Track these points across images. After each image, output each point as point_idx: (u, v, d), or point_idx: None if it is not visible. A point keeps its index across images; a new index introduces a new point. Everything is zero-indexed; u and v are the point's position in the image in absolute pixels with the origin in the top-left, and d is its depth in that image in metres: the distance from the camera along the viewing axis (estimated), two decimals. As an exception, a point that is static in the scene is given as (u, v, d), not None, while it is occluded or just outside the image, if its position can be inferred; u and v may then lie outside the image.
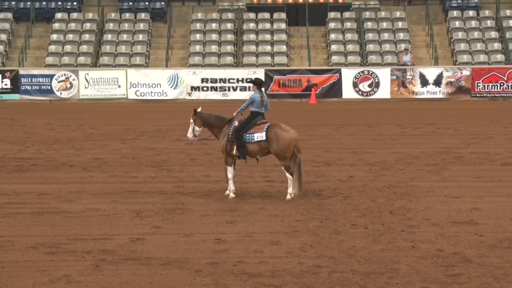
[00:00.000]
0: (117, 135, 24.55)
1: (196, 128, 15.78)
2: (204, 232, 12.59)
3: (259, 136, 15.08)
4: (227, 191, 15.24)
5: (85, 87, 36.76)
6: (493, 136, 23.75)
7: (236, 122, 15.27)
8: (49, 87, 36.76)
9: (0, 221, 13.42)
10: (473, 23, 40.66)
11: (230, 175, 15.18)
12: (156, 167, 18.63)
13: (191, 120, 15.77)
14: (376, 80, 36.54)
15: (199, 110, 15.89)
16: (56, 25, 40.99)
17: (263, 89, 15.51)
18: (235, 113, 15.39)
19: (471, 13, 41.29)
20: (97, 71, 37.45)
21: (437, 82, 36.47)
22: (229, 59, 39.28)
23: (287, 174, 14.92)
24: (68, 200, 15.06)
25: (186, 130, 25.34)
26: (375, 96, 36.56)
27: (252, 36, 40.50)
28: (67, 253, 11.41)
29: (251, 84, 15.70)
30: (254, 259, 11.09)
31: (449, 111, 31.69)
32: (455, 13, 41.27)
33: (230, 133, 15.16)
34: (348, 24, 41.00)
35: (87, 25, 41.03)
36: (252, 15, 41.66)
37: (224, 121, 15.51)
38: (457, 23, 40.74)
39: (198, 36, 40.40)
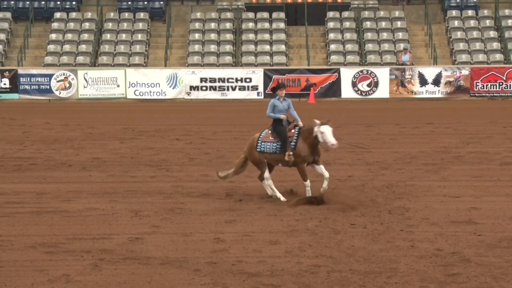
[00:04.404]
0: (116, 134, 24.54)
1: None
2: (203, 232, 12.59)
3: None
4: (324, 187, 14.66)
5: (84, 87, 36.76)
6: (492, 135, 23.75)
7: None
8: (48, 87, 36.76)
9: (-1, 220, 13.43)
10: (472, 23, 40.68)
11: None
12: (155, 167, 18.62)
13: (331, 127, 14.75)
14: (375, 80, 36.55)
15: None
16: (55, 25, 41.00)
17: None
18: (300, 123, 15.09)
19: (470, 12, 41.31)
20: (96, 70, 37.45)
21: (436, 81, 36.49)
22: (228, 59, 39.29)
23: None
24: (67, 199, 15.06)
25: (185, 129, 25.54)
26: (374, 95, 36.58)
27: (251, 36, 40.51)
28: (66, 252, 11.40)
29: (284, 89, 15.31)
30: (253, 258, 11.08)
31: (448, 111, 31.69)
32: (454, 12, 41.29)
33: None
34: (347, 24, 41.02)
35: (86, 25, 41.04)
36: (251, 15, 41.67)
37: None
38: (456, 23, 40.76)
39: (197, 36, 40.41)
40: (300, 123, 14.99)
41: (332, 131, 14.66)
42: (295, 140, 14.83)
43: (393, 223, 13.10)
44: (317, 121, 14.82)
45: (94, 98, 36.65)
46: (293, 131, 14.94)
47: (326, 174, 14.70)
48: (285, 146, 14.80)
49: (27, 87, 36.85)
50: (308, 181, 14.73)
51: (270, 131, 15.10)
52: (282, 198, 14.84)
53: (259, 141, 15.08)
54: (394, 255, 11.19)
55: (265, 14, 41.62)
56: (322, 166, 14.84)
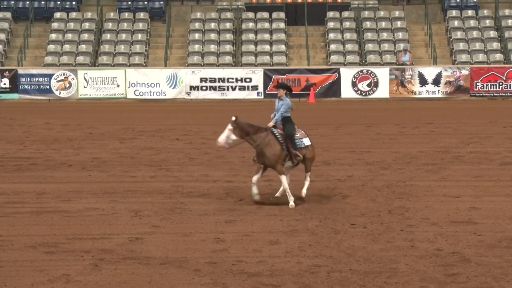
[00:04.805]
0: (116, 134, 24.54)
1: (233, 136, 14.60)
2: (203, 232, 12.59)
3: (307, 141, 14.88)
4: (291, 203, 14.40)
5: (84, 87, 36.76)
6: (492, 135, 23.75)
7: (276, 130, 14.74)
8: (48, 87, 36.76)
9: (-1, 220, 13.43)
10: (472, 23, 40.69)
11: (286, 185, 14.54)
12: (155, 167, 18.62)
13: (230, 127, 14.58)
14: (375, 80, 36.55)
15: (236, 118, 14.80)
16: (55, 25, 41.00)
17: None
18: (272, 123, 14.78)
19: (470, 12, 41.32)
20: (96, 70, 37.45)
21: (436, 81, 36.49)
22: (228, 59, 39.29)
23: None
24: (67, 199, 15.05)
25: (185, 129, 25.55)
26: (374, 95, 36.57)
27: (251, 36, 40.51)
28: (66, 252, 11.40)
29: (280, 89, 15.08)
30: (253, 258, 11.09)
31: (448, 111, 31.69)
32: (454, 12, 41.30)
33: (282, 142, 14.61)
34: (347, 24, 41.02)
35: (86, 25, 41.05)
36: (251, 15, 41.67)
37: (256, 128, 14.71)
38: (456, 23, 40.76)
39: (197, 36, 40.41)
40: (270, 124, 14.84)
41: (228, 130, 14.47)
42: None
43: (393, 223, 13.10)
44: (233, 118, 14.64)
45: (94, 98, 36.64)
46: None
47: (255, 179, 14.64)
48: None
49: (27, 87, 36.85)
50: (285, 180, 14.56)
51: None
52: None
53: None
54: (394, 255, 11.19)
55: (265, 14, 41.62)
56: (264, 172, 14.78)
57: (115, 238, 12.20)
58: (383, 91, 36.61)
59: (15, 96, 36.83)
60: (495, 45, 39.47)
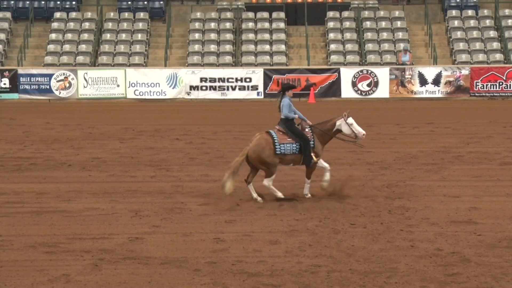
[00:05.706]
0: (116, 134, 24.54)
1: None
2: (203, 232, 12.59)
3: None
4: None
5: (84, 87, 36.77)
6: (492, 135, 23.75)
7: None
8: (48, 87, 36.77)
9: (-1, 220, 13.43)
10: (472, 23, 40.69)
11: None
12: (155, 167, 18.62)
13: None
14: (375, 80, 36.56)
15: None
16: (55, 25, 41.01)
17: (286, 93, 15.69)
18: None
19: (470, 12, 41.32)
20: (96, 70, 37.46)
21: (436, 81, 36.50)
22: (228, 59, 39.29)
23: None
24: (67, 199, 15.05)
25: (185, 129, 25.55)
26: (374, 95, 36.58)
27: (251, 36, 40.51)
28: (66, 252, 11.40)
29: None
30: (253, 258, 11.08)
31: (448, 111, 31.69)
32: (454, 12, 41.30)
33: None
34: (347, 24, 41.02)
35: (86, 25, 41.05)
36: (251, 15, 41.68)
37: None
38: (456, 23, 40.77)
39: (197, 36, 40.41)
40: (310, 122, 15.50)
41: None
42: (313, 140, 15.15)
43: (393, 223, 13.10)
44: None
45: (94, 98, 36.65)
46: (308, 130, 15.28)
47: (326, 165, 15.28)
48: (306, 147, 14.98)
49: (27, 87, 36.86)
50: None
51: (282, 132, 15.07)
52: (280, 195, 14.88)
53: (276, 144, 14.97)
54: (394, 255, 11.19)
55: (265, 14, 41.63)
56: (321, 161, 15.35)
57: (115, 238, 12.20)
58: (383, 91, 36.62)
59: (15, 96, 36.85)
60: (495, 45, 39.48)
